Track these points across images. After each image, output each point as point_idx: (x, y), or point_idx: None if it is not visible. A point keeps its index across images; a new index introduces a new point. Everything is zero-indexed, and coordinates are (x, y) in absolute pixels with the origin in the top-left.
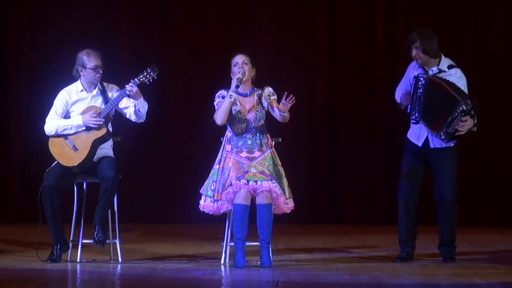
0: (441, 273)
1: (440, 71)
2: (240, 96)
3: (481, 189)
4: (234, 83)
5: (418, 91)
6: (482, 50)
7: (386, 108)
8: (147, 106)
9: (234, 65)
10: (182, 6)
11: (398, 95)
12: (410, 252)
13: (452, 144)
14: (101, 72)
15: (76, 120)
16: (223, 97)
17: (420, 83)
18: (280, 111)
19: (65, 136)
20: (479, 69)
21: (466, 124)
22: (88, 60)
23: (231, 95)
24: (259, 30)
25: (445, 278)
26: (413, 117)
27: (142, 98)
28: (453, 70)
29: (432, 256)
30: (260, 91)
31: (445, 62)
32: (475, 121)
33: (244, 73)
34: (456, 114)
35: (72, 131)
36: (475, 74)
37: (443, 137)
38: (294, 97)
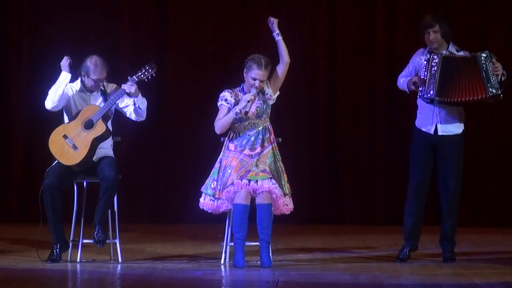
0: (441, 273)
1: (450, 53)
2: (243, 96)
3: (481, 189)
4: (244, 105)
5: (432, 69)
6: (482, 50)
7: (386, 108)
8: (146, 102)
9: (253, 79)
10: (182, 6)
11: (403, 82)
12: (413, 247)
13: (460, 132)
14: (101, 84)
15: (63, 76)
16: (226, 100)
17: (434, 61)
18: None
19: (65, 135)
20: None
21: (499, 66)
22: (94, 72)
23: (237, 112)
24: (259, 31)
25: (445, 278)
26: (428, 95)
27: (140, 95)
28: (462, 52)
29: (432, 256)
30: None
31: (453, 46)
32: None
33: (257, 94)
34: (484, 66)
35: (63, 86)
36: None
37: (494, 91)
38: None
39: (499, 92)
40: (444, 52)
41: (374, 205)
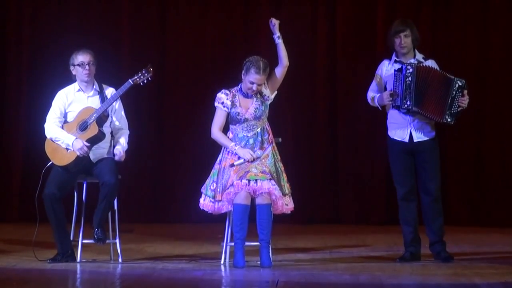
0: (441, 273)
1: (419, 62)
2: (243, 98)
3: (481, 189)
4: (242, 154)
5: (408, 79)
6: (482, 50)
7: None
8: (125, 140)
9: (251, 83)
10: (182, 6)
11: (376, 100)
12: (414, 253)
13: (434, 135)
14: (88, 68)
15: (68, 138)
16: (223, 103)
17: (408, 71)
18: (273, 33)
19: None
20: (479, 69)
21: (466, 99)
22: (76, 57)
23: (233, 151)
24: (258, 31)
25: (445, 278)
26: (405, 106)
27: (122, 148)
28: (429, 61)
29: (432, 256)
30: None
31: (419, 55)
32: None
33: (254, 158)
34: (454, 92)
35: (62, 145)
36: (475, 74)
37: (449, 119)
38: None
39: (452, 123)
40: (412, 61)
41: (374, 205)
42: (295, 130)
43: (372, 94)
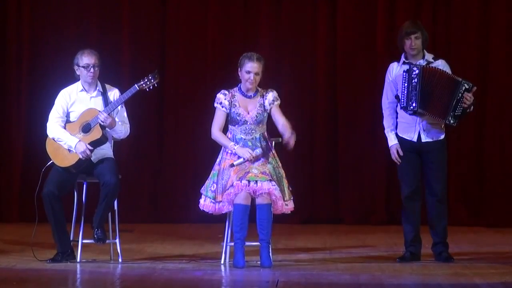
0: (441, 273)
1: (428, 62)
2: (242, 98)
3: (481, 189)
4: (241, 154)
5: (413, 81)
6: (483, 50)
7: None
8: (124, 128)
9: (247, 72)
10: (182, 6)
11: (387, 131)
12: (414, 252)
13: (442, 137)
14: (92, 70)
15: (72, 140)
16: (221, 103)
17: (414, 73)
18: (286, 143)
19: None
20: (480, 68)
21: (470, 99)
22: (81, 58)
23: (232, 151)
24: (259, 31)
25: (445, 278)
26: (411, 107)
27: (117, 125)
28: (439, 61)
29: (432, 256)
30: (265, 93)
31: (428, 55)
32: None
33: (257, 154)
34: (460, 95)
35: (65, 147)
36: (475, 74)
37: (452, 121)
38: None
39: (455, 125)
40: (421, 61)
41: (374, 205)
42: (295, 130)
43: (387, 122)
